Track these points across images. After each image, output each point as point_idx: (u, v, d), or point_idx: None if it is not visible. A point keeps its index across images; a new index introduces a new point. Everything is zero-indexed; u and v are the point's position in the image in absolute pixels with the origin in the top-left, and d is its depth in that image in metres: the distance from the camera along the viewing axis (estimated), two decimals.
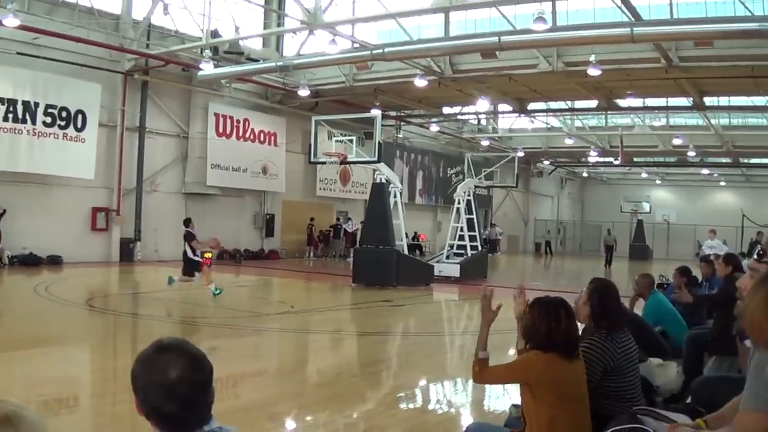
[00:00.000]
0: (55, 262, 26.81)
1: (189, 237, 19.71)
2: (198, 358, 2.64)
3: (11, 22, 22.01)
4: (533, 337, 5.06)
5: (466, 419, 8.82)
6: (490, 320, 5.42)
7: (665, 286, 14.28)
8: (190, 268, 19.66)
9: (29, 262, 26.42)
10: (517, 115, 43.30)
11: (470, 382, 11.32)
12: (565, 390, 4.89)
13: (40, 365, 11.17)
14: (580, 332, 5.38)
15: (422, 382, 11.28)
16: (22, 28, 23.56)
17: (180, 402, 2.53)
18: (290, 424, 8.58)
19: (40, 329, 13.99)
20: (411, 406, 9.78)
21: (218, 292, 19.06)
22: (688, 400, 6.47)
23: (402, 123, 44.14)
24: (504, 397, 9.31)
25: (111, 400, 8.99)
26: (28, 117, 26.37)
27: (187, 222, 20.38)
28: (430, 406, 9.81)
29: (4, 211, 25.70)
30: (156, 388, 2.53)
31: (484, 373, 5.20)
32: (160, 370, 2.54)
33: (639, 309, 9.76)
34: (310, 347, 14.76)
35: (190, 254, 19.60)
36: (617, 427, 4.60)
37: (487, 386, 10.98)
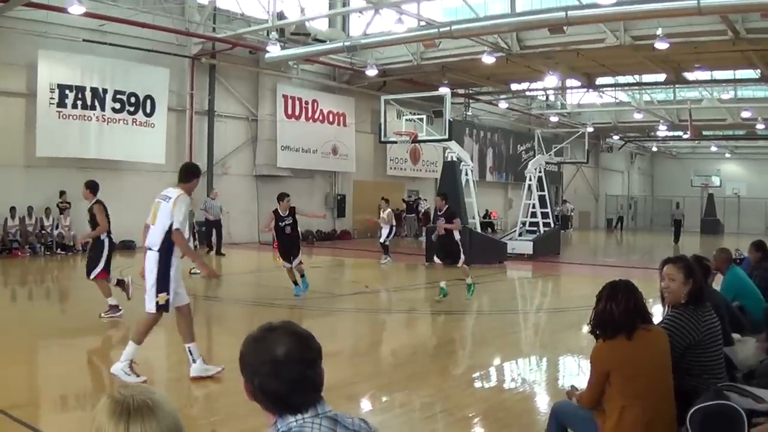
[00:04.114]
0: (127, 247, 26.86)
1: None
2: (305, 336, 2.75)
3: (76, 9, 22.09)
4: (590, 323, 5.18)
5: (544, 398, 8.69)
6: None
7: (739, 260, 14.00)
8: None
9: None
10: (585, 90, 43.04)
11: (545, 359, 11.23)
12: (636, 368, 4.85)
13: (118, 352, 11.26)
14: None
15: (498, 361, 11.16)
16: (87, 15, 23.65)
17: (287, 381, 2.60)
18: (368, 404, 8.50)
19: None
20: (488, 385, 9.66)
21: None
22: None
23: (470, 100, 44.04)
24: (581, 376, 9.13)
25: (187, 384, 9.01)
26: (96, 103, 26.60)
27: None
28: (507, 385, 9.70)
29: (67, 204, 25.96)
30: (263, 366, 2.62)
31: (584, 399, 5.21)
32: (268, 348, 2.64)
33: (716, 284, 9.53)
34: (385, 327, 14.74)
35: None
36: (703, 404, 4.50)
37: (562, 364, 10.87)
